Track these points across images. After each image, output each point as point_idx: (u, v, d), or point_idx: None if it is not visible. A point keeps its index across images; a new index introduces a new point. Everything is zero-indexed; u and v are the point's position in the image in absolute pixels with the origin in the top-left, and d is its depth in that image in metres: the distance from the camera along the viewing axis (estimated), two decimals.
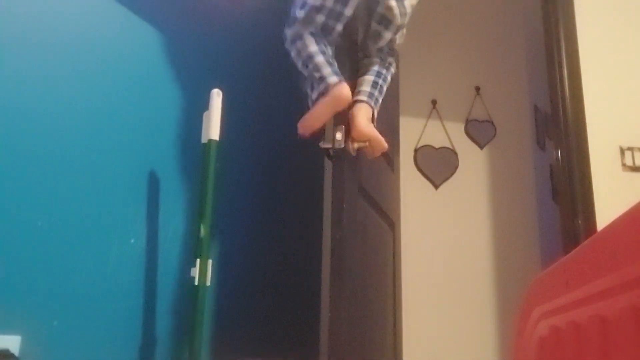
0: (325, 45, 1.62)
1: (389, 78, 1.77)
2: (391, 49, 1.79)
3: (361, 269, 1.66)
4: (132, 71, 1.71)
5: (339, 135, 1.60)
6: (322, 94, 1.53)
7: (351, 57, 1.76)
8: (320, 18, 1.61)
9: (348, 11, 1.62)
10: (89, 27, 1.62)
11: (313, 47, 1.58)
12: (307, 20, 1.62)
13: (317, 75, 1.55)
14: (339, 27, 1.64)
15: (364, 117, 1.62)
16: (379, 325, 1.87)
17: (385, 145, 1.70)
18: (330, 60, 1.58)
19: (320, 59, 1.56)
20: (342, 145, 1.61)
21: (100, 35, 1.64)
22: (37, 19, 1.51)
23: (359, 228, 1.68)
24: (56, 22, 1.55)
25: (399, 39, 1.79)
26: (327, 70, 1.54)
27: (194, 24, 1.97)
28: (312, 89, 1.60)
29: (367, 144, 1.64)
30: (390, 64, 1.79)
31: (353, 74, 1.72)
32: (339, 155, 1.61)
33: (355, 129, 1.61)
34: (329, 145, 1.63)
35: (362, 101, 1.64)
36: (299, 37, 1.62)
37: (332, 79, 1.52)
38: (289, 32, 1.66)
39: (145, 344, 1.58)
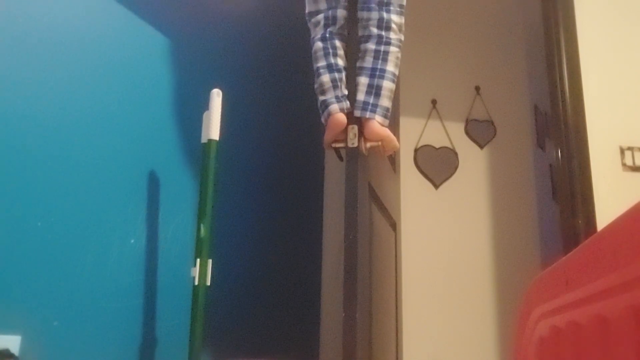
0: (335, 54, 1.66)
1: (388, 67, 1.64)
2: (387, 28, 1.68)
3: (370, 269, 1.66)
4: (132, 71, 1.71)
5: (352, 135, 1.60)
6: (326, 120, 1.63)
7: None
8: (320, 17, 1.69)
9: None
10: (88, 27, 1.62)
11: (322, 61, 1.65)
12: (314, 21, 1.71)
13: (320, 98, 1.64)
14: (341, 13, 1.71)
15: (373, 121, 1.61)
16: (384, 325, 1.87)
17: (397, 144, 1.70)
18: (337, 76, 1.64)
19: (326, 78, 1.63)
20: (356, 145, 1.60)
21: (100, 35, 1.64)
22: (37, 19, 1.51)
23: (369, 229, 1.69)
24: (56, 22, 1.55)
25: (394, 16, 1.67)
26: (330, 95, 1.62)
27: (194, 24, 1.97)
28: (319, 104, 1.66)
29: (379, 143, 1.64)
30: (387, 44, 1.65)
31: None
32: (352, 155, 1.61)
33: (367, 130, 1.60)
34: (341, 145, 1.64)
35: (359, 117, 1.62)
36: (312, 42, 1.70)
37: (332, 108, 1.61)
38: (308, 25, 1.74)
39: (145, 344, 1.58)
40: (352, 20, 1.71)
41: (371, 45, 1.65)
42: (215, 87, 1.64)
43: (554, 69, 2.44)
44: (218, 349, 1.77)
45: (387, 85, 1.63)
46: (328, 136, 1.64)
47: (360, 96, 1.62)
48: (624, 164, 2.32)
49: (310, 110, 1.75)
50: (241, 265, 2.00)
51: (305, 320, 2.19)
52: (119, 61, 1.67)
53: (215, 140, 1.62)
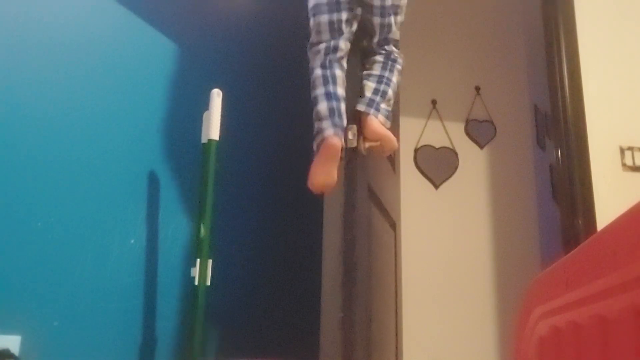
0: (334, 82, 1.62)
1: (393, 79, 1.72)
2: (390, 39, 1.76)
3: (369, 269, 1.66)
4: (132, 71, 1.71)
5: (350, 135, 1.60)
6: (319, 146, 1.55)
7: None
8: (322, 46, 1.66)
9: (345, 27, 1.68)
10: (88, 27, 1.62)
11: (320, 89, 1.61)
12: (314, 50, 1.68)
13: (316, 125, 1.58)
14: (344, 45, 1.69)
15: (374, 119, 1.61)
16: (384, 326, 1.87)
17: (396, 145, 1.70)
18: (334, 105, 1.57)
19: (323, 106, 1.57)
20: (355, 145, 1.60)
21: (100, 35, 1.64)
22: (37, 19, 1.51)
23: (368, 229, 1.69)
24: (56, 23, 1.55)
25: (394, 25, 1.74)
26: (326, 123, 1.55)
27: (194, 24, 1.97)
28: (314, 132, 1.61)
29: (378, 143, 1.64)
30: (394, 61, 1.75)
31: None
32: (351, 155, 1.60)
33: (367, 128, 1.60)
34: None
35: (361, 111, 1.63)
36: (311, 70, 1.67)
37: (328, 132, 1.53)
38: (308, 54, 1.71)
39: (145, 344, 1.58)
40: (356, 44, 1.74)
41: (379, 58, 1.73)
42: (215, 87, 1.64)
43: (554, 69, 2.43)
44: (218, 349, 1.77)
45: (391, 93, 1.68)
46: (317, 164, 1.53)
47: (367, 93, 1.65)
48: (624, 164, 2.32)
49: (310, 110, 1.75)
50: (241, 265, 2.00)
51: (305, 320, 2.19)
52: (119, 61, 1.67)
53: (215, 140, 1.62)
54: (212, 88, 1.64)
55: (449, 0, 3.23)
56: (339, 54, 1.67)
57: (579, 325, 0.71)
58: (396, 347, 2.07)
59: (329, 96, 1.59)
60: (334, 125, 1.54)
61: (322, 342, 2.12)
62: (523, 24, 3.24)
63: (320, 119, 1.57)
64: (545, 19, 2.55)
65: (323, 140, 1.53)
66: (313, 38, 1.70)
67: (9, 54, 1.42)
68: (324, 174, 1.51)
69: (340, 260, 1.56)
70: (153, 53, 1.80)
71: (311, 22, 1.69)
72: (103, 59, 1.63)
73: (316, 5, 1.67)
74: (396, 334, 2.08)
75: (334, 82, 1.62)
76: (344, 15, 1.66)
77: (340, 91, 1.61)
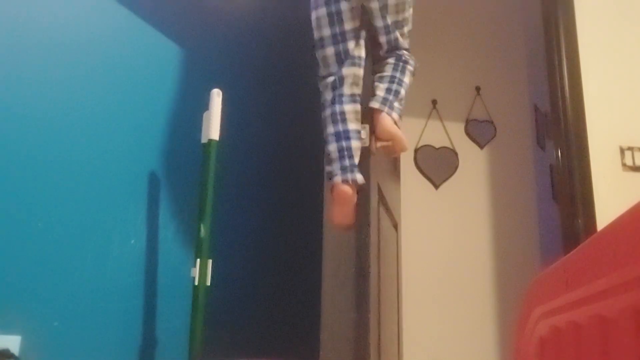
0: (343, 120, 1.58)
1: (405, 79, 1.70)
2: (399, 47, 1.75)
3: (378, 270, 1.66)
4: (132, 71, 1.71)
5: (363, 134, 1.59)
6: (331, 190, 1.55)
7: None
8: (329, 80, 1.63)
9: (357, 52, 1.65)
10: (89, 27, 1.63)
11: (330, 128, 1.58)
12: (323, 84, 1.65)
13: (327, 168, 1.57)
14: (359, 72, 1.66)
15: (387, 118, 1.61)
16: (389, 326, 1.87)
17: (407, 146, 1.69)
18: (344, 145, 1.55)
19: (333, 147, 1.55)
20: (367, 144, 1.59)
21: (100, 36, 1.64)
22: (37, 19, 1.51)
23: (378, 229, 1.69)
24: (57, 23, 1.55)
25: (400, 38, 1.74)
26: (336, 167, 1.53)
27: (194, 24, 1.97)
28: (326, 175, 1.60)
29: (390, 143, 1.63)
30: (405, 62, 1.74)
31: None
32: (364, 155, 1.59)
33: (379, 127, 1.59)
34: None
35: (375, 108, 1.61)
36: (322, 106, 1.64)
37: (337, 179, 1.52)
38: (319, 87, 1.68)
39: (145, 344, 1.58)
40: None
41: (391, 60, 1.72)
42: (215, 87, 1.64)
43: (554, 69, 2.44)
44: (218, 349, 1.77)
45: (403, 93, 1.67)
46: (333, 207, 1.54)
47: (380, 93, 1.64)
48: (624, 164, 2.32)
49: (310, 110, 1.76)
50: (241, 265, 2.00)
51: (305, 320, 2.19)
52: (119, 61, 1.67)
53: (215, 140, 1.62)
54: (212, 88, 1.64)
55: (449, 0, 3.23)
56: (348, 80, 1.63)
57: (579, 325, 0.71)
58: (398, 347, 2.07)
59: (339, 136, 1.56)
60: (343, 169, 1.52)
61: (322, 342, 2.12)
62: (523, 24, 3.24)
63: (330, 161, 1.56)
64: (545, 19, 2.55)
65: (333, 186, 1.53)
66: (321, 71, 1.67)
67: (9, 54, 1.42)
68: (341, 216, 1.53)
69: (341, 260, 1.56)
70: (153, 53, 1.80)
71: (318, 54, 1.66)
72: (103, 59, 1.63)
73: (321, 38, 1.64)
74: (398, 334, 2.08)
75: (343, 120, 1.58)
76: (350, 44, 1.63)
77: (352, 126, 1.58)
